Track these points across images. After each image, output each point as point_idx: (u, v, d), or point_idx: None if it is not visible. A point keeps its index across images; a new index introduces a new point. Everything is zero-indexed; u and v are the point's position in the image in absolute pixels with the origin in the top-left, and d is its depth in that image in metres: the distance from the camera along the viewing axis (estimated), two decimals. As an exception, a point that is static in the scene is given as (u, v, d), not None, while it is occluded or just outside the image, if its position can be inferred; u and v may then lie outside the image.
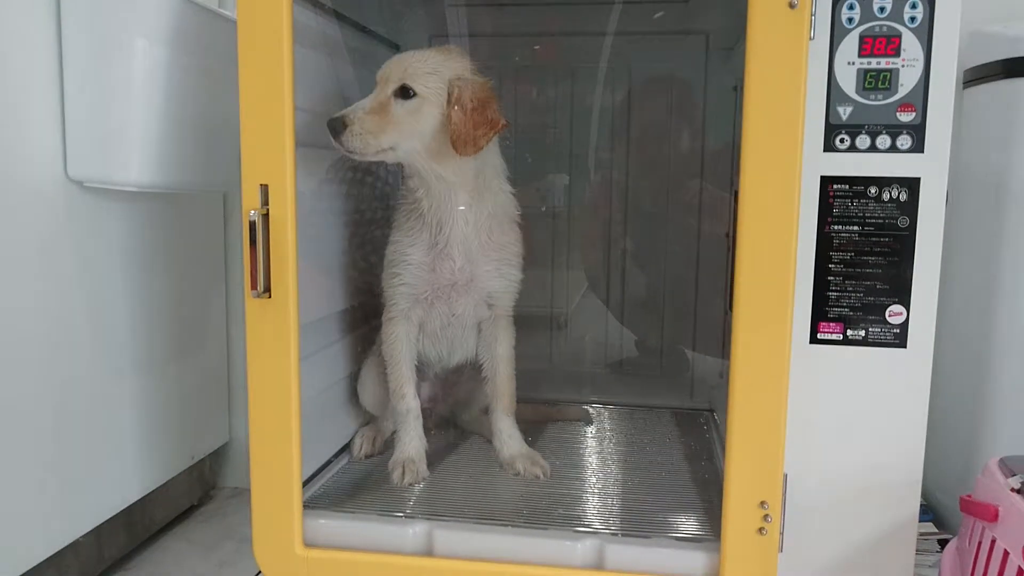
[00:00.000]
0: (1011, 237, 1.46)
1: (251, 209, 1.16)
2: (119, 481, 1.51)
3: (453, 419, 1.71)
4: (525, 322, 1.58)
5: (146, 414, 1.57)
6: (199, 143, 1.46)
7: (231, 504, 1.87)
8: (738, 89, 1.77)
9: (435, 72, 1.32)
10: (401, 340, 1.47)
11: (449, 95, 1.32)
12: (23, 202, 1.26)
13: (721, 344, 1.87)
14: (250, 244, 1.16)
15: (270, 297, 1.19)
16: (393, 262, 1.46)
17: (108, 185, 1.35)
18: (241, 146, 1.16)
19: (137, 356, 1.53)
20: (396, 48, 1.85)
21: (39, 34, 1.27)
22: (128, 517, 1.56)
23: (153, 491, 1.62)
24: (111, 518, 1.49)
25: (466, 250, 1.42)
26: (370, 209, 1.70)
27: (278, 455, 1.22)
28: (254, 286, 1.17)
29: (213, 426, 1.85)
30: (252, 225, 1.15)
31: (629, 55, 1.87)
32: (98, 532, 1.47)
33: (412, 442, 1.46)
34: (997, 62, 1.48)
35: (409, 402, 1.47)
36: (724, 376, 1.85)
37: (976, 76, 1.52)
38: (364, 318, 1.68)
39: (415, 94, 1.31)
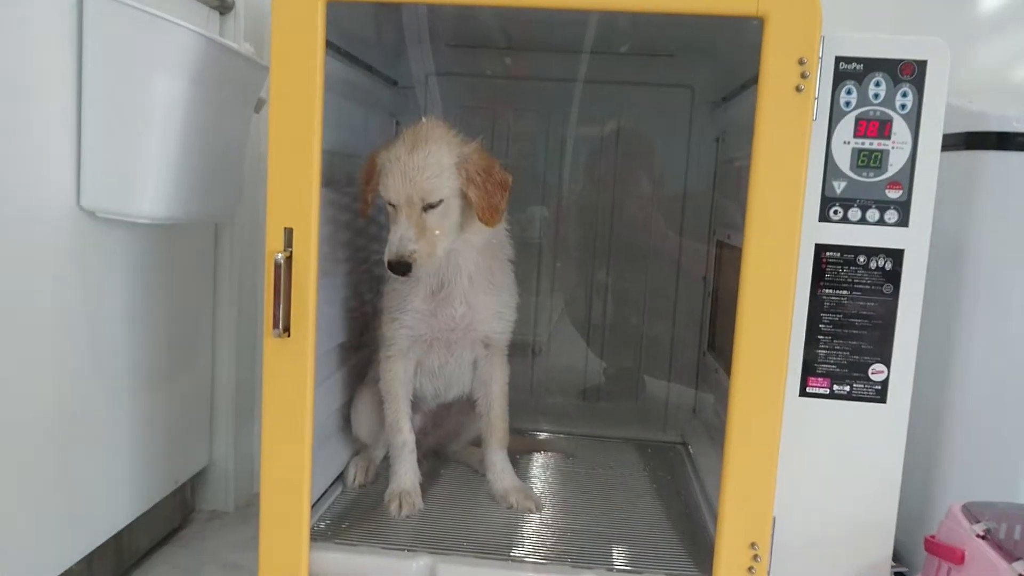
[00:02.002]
0: (968, 295, 1.58)
1: (275, 252, 1.19)
2: (110, 507, 1.51)
3: (441, 450, 1.76)
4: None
5: (136, 438, 1.57)
6: (205, 175, 1.48)
7: (210, 527, 1.87)
8: (720, 140, 1.88)
9: (441, 168, 1.37)
10: (399, 377, 1.52)
11: (461, 178, 1.38)
12: (35, 230, 1.26)
13: (695, 380, 1.97)
14: (274, 286, 1.19)
15: (289, 336, 1.22)
16: (393, 307, 1.50)
17: (121, 217, 1.36)
18: (268, 189, 1.19)
19: (132, 380, 1.54)
20: (394, 84, 1.90)
21: (59, 65, 1.28)
22: (117, 543, 1.56)
23: (140, 516, 1.62)
24: (101, 545, 1.49)
25: (467, 298, 1.47)
26: (366, 248, 1.74)
27: (289, 489, 1.26)
28: (276, 326, 1.21)
29: (195, 449, 1.85)
30: (277, 267, 1.19)
31: (616, 102, 1.95)
32: (89, 560, 1.46)
33: (407, 474, 1.51)
34: (960, 134, 1.61)
35: (405, 435, 1.52)
36: (698, 412, 1.96)
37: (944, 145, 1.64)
38: (355, 350, 1.72)
39: (441, 200, 1.37)
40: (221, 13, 1.79)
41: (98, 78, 1.31)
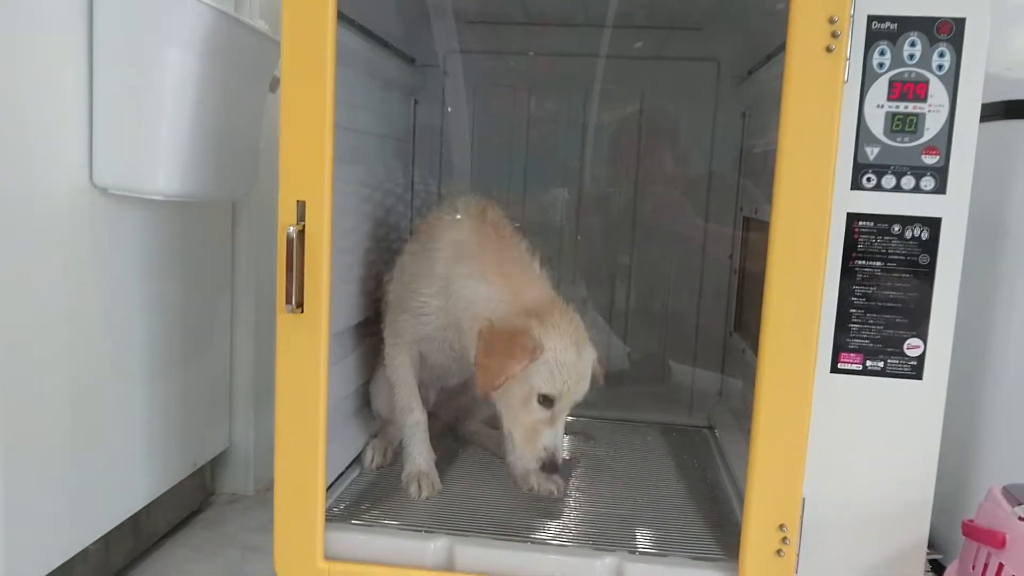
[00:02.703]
0: (1006, 272, 1.52)
1: (288, 225, 1.17)
2: (127, 487, 1.50)
3: (457, 428, 1.73)
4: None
5: (154, 420, 1.56)
6: (220, 153, 1.46)
7: (231, 511, 1.86)
8: (746, 115, 1.82)
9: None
10: (406, 364, 1.50)
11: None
12: (48, 207, 1.25)
13: (721, 363, 1.92)
14: (286, 260, 1.16)
15: (302, 312, 1.19)
16: (402, 302, 1.48)
17: (134, 193, 1.34)
18: (280, 161, 1.17)
19: (148, 361, 1.52)
20: (412, 62, 1.87)
21: (71, 41, 1.26)
22: (135, 524, 1.55)
23: (158, 498, 1.61)
24: (118, 525, 1.48)
25: None
26: (384, 226, 1.71)
27: (303, 468, 1.23)
28: (288, 301, 1.18)
29: (214, 432, 1.84)
30: (289, 241, 1.16)
31: (640, 78, 1.90)
32: (106, 539, 1.46)
33: (422, 455, 1.48)
34: (999, 103, 1.54)
35: (418, 416, 1.49)
36: (724, 395, 1.91)
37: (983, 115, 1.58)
38: (374, 332, 1.70)
39: None
40: (237, -9, 1.77)
41: (109, 53, 1.29)
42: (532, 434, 1.30)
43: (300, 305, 1.19)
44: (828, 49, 1.07)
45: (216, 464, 1.91)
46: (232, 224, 1.82)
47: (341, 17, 1.43)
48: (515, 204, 1.98)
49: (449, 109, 1.94)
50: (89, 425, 1.37)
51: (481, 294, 1.35)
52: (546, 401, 1.29)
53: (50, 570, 1.30)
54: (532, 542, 1.29)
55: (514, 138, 1.96)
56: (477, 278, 1.36)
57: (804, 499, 1.18)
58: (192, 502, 1.80)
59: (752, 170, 1.75)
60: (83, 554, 1.39)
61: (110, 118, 1.30)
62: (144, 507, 1.57)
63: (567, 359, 1.28)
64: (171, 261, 1.56)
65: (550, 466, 1.30)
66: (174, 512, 1.72)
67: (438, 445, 1.55)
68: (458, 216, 1.47)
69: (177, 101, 1.32)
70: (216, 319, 1.80)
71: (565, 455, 1.34)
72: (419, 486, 1.43)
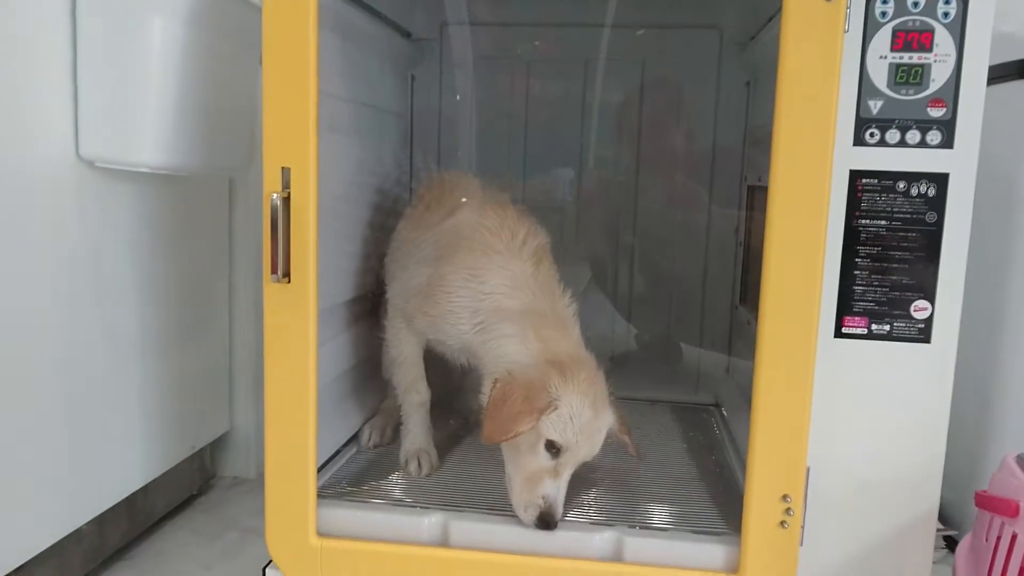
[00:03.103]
0: (1022, 234, 1.47)
1: (272, 192, 1.14)
2: (121, 469, 1.49)
3: (459, 407, 1.68)
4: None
5: (149, 401, 1.54)
6: (211, 125, 1.44)
7: (232, 494, 1.84)
8: (750, 84, 1.77)
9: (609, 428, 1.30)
10: (412, 344, 1.45)
11: None
12: (33, 182, 1.23)
13: (728, 339, 1.88)
14: (271, 228, 1.14)
15: (289, 282, 1.16)
16: (424, 306, 1.40)
17: (120, 166, 1.32)
18: (263, 127, 1.14)
19: (142, 342, 1.50)
20: (407, 35, 1.84)
21: (52, 11, 1.24)
22: (130, 506, 1.53)
23: (155, 480, 1.59)
24: (113, 507, 1.47)
25: None
26: (387, 199, 1.68)
27: (294, 444, 1.20)
28: (274, 270, 1.15)
29: (214, 415, 1.82)
30: (273, 208, 1.13)
31: (640, 49, 1.86)
32: (100, 521, 1.44)
33: (423, 433, 1.45)
34: (1011, 63, 1.49)
35: (423, 396, 1.46)
36: (731, 371, 1.86)
37: (990, 76, 1.52)
38: (373, 308, 1.67)
39: None
40: (230, -33, 1.74)
41: (93, 22, 1.27)
42: (533, 482, 1.20)
43: (287, 275, 1.16)
44: (827, -3, 1.02)
45: (217, 447, 1.89)
46: (229, 202, 1.80)
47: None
48: (516, 183, 1.95)
49: (458, 97, 1.91)
50: (79, 403, 1.35)
51: (514, 346, 1.28)
52: (552, 449, 1.21)
53: (39, 551, 1.28)
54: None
55: (513, 114, 1.92)
56: (516, 335, 1.28)
57: (808, 469, 1.14)
58: (191, 485, 1.78)
59: (757, 139, 1.70)
60: (76, 534, 1.38)
61: (95, 89, 1.28)
62: (140, 489, 1.55)
63: (583, 416, 1.21)
64: (165, 238, 1.54)
65: (546, 520, 1.19)
66: (173, 494, 1.70)
67: (440, 426, 1.52)
68: (504, 250, 1.36)
69: (163, 71, 1.30)
70: (214, 299, 1.78)
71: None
72: (419, 463, 1.40)
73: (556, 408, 1.19)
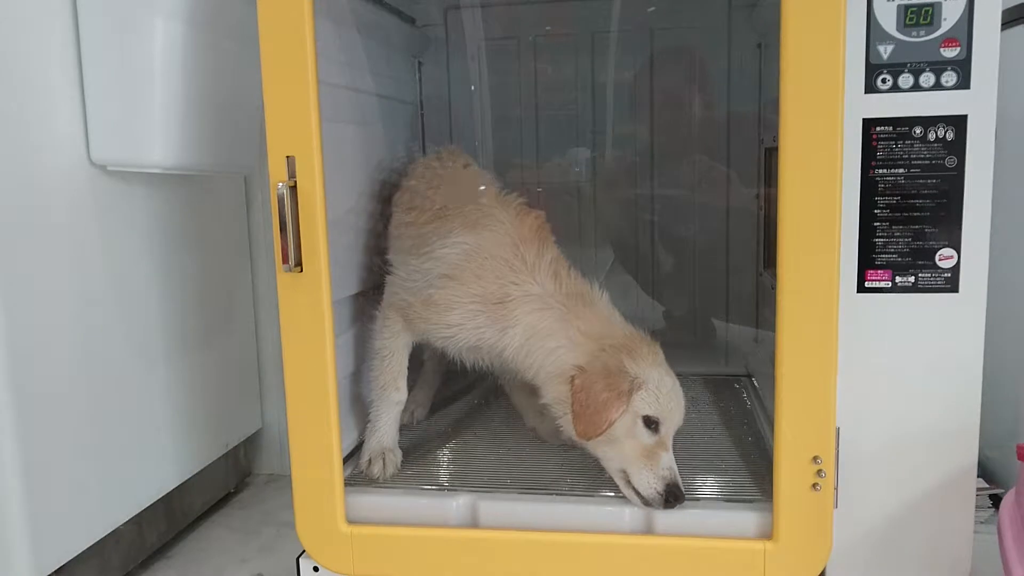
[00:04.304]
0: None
1: (278, 181, 1.14)
2: (156, 469, 1.51)
3: (500, 383, 1.61)
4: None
5: (178, 401, 1.56)
6: (221, 124, 1.44)
7: (267, 490, 1.86)
8: (762, 46, 1.73)
9: None
10: (400, 336, 1.38)
11: None
12: (48, 189, 1.24)
13: (755, 309, 1.84)
14: (279, 217, 1.14)
15: (302, 271, 1.17)
16: (430, 313, 1.34)
17: (131, 168, 1.33)
18: (265, 117, 1.14)
19: (166, 342, 1.52)
20: (412, 22, 1.83)
21: (56, 18, 1.25)
22: (167, 505, 1.55)
23: (190, 479, 1.61)
24: (150, 506, 1.49)
25: None
26: (390, 191, 1.67)
27: (317, 431, 1.20)
28: (285, 260, 1.15)
29: (245, 413, 1.84)
30: (280, 198, 1.13)
31: (648, 19, 1.83)
32: (138, 520, 1.46)
33: (392, 432, 1.39)
34: (1029, 2, 1.44)
35: (402, 394, 1.39)
36: (760, 340, 1.83)
37: (1012, 17, 1.47)
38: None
39: None
40: (231, -33, 1.75)
41: (95, 26, 1.28)
42: (651, 459, 1.18)
43: (299, 263, 1.16)
44: (827, -60, 0.99)
45: (251, 445, 1.91)
46: (247, 199, 1.81)
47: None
48: (529, 168, 1.93)
49: (472, 88, 1.89)
50: (109, 407, 1.37)
51: (566, 354, 1.25)
52: (651, 424, 1.19)
53: (79, 551, 1.31)
54: (556, 494, 1.25)
55: (524, 96, 1.90)
56: (564, 346, 1.25)
57: (838, 429, 1.11)
58: (227, 483, 1.80)
59: (771, 100, 1.66)
60: (115, 534, 1.40)
61: (102, 93, 1.29)
62: (176, 488, 1.57)
63: (665, 383, 1.22)
64: (183, 239, 1.56)
65: (675, 492, 1.16)
66: (209, 493, 1.72)
67: (461, 404, 1.51)
68: (526, 273, 1.30)
69: (167, 71, 1.30)
70: (237, 298, 1.79)
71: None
72: (384, 463, 1.33)
73: (641, 386, 1.19)
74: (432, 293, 1.32)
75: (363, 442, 1.45)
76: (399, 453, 1.37)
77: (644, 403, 1.19)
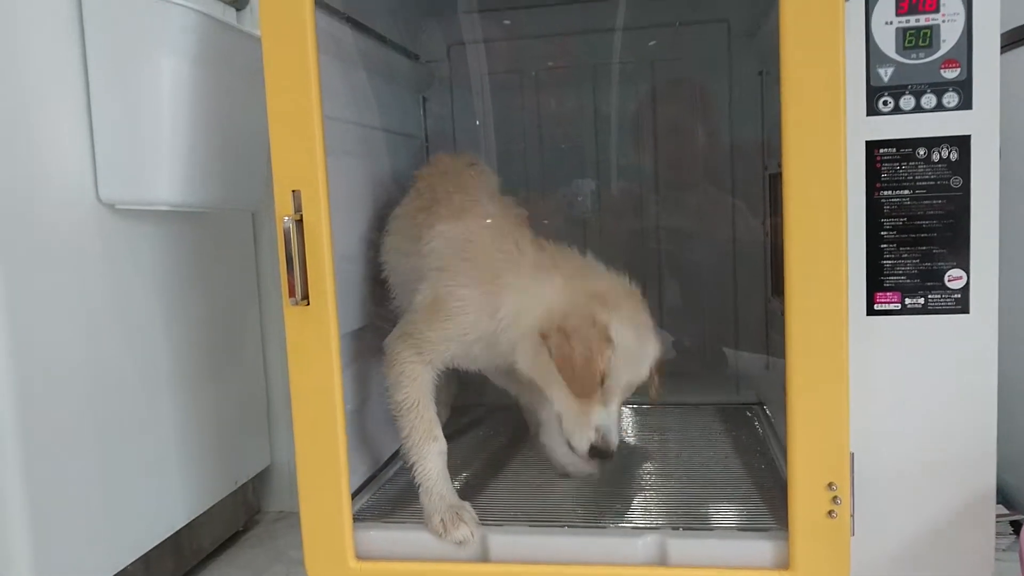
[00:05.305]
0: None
1: (284, 215, 1.14)
2: (164, 507, 1.50)
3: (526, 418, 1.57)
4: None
5: (187, 439, 1.55)
6: (226, 161, 1.46)
7: (277, 528, 1.84)
8: (763, 74, 1.74)
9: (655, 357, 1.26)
10: (420, 377, 1.27)
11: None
12: (57, 227, 1.26)
13: (765, 336, 1.83)
14: (285, 252, 1.14)
15: (308, 304, 1.17)
16: (430, 303, 1.30)
17: (139, 206, 1.34)
18: (271, 151, 1.15)
19: (175, 379, 1.52)
20: (416, 58, 1.85)
21: (64, 58, 1.27)
22: (175, 543, 1.54)
23: (199, 517, 1.60)
24: (159, 545, 1.47)
25: None
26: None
27: (325, 466, 1.20)
28: (292, 293, 1.15)
29: (254, 450, 1.83)
30: (286, 232, 1.14)
31: (649, 51, 1.85)
32: (146, 559, 1.45)
33: (447, 484, 1.26)
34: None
35: (441, 443, 1.27)
36: (771, 367, 1.81)
37: (1013, 39, 1.48)
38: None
39: None
40: (237, 9, 1.78)
41: (103, 66, 1.30)
42: (583, 413, 1.16)
43: (306, 297, 1.16)
44: (823, -34, 1.00)
45: (260, 482, 1.90)
46: (254, 235, 1.82)
47: (335, 12, 1.43)
48: (535, 200, 1.93)
49: (477, 123, 1.91)
50: (116, 445, 1.37)
51: (542, 307, 1.20)
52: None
53: (87, 591, 1.30)
54: (569, 526, 1.23)
55: (527, 128, 1.92)
56: (545, 292, 1.21)
57: (853, 454, 1.10)
58: (236, 520, 1.78)
59: (774, 128, 1.66)
60: (122, 575, 1.38)
61: (110, 133, 1.31)
62: (185, 527, 1.56)
63: (626, 340, 1.17)
64: (190, 275, 1.56)
65: (602, 450, 1.16)
66: (218, 531, 1.71)
67: (471, 438, 1.50)
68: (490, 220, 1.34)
69: (174, 110, 1.32)
70: (245, 334, 1.79)
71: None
72: (462, 519, 1.21)
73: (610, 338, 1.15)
74: (428, 296, 1.28)
75: (375, 474, 1.45)
76: (468, 505, 1.25)
77: None
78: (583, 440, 1.17)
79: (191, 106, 1.34)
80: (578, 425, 1.17)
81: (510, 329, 1.24)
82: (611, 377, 1.17)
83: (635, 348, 1.19)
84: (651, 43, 1.84)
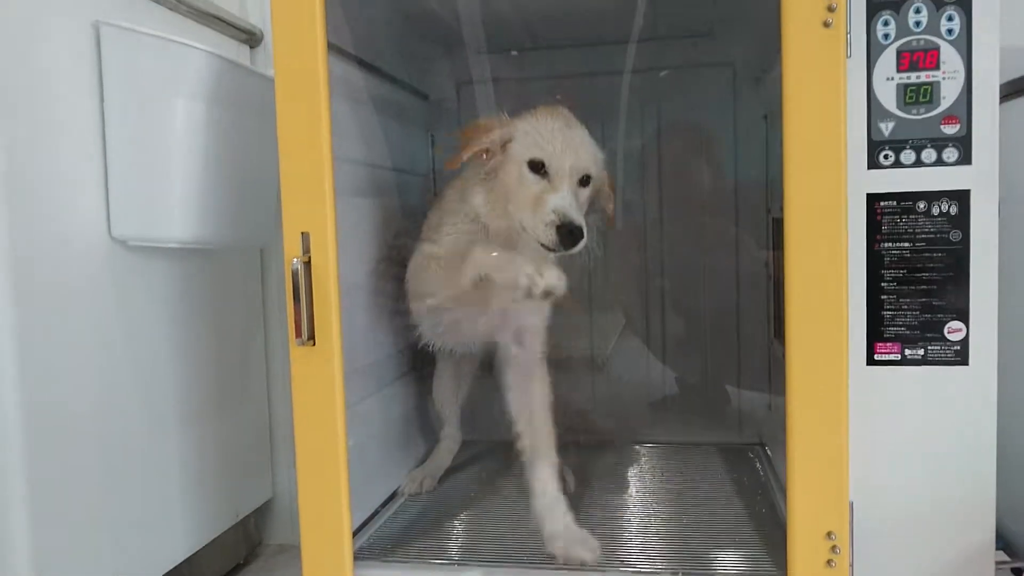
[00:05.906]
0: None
1: (293, 257, 1.16)
2: (166, 540, 1.50)
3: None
4: (564, 365, 1.56)
5: (190, 472, 1.56)
6: (237, 199, 1.48)
7: (278, 561, 1.84)
8: (768, 118, 1.77)
9: (597, 155, 1.33)
10: (443, 375, 1.61)
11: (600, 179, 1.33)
12: (69, 263, 1.27)
13: (768, 376, 1.83)
14: (292, 292, 1.16)
15: (314, 344, 1.18)
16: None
17: (151, 243, 1.36)
18: (281, 194, 1.17)
19: (180, 413, 1.53)
20: (425, 98, 1.88)
21: (82, 97, 1.30)
22: (177, 576, 1.54)
23: (200, 551, 1.60)
24: (159, 578, 1.48)
25: None
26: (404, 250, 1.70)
27: (327, 504, 1.20)
28: (298, 334, 1.17)
29: (256, 482, 1.83)
30: (295, 273, 1.16)
31: (655, 93, 1.87)
32: (147, 593, 1.45)
33: (437, 466, 1.61)
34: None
35: (453, 442, 1.64)
36: (773, 408, 1.82)
37: (1012, 90, 1.50)
38: (413, 362, 1.68)
39: (590, 181, 1.30)
40: (251, 47, 1.82)
41: (119, 106, 1.32)
42: (536, 203, 1.21)
43: (312, 337, 1.18)
44: (825, 24, 1.02)
45: (261, 515, 1.90)
46: (262, 272, 1.84)
47: (346, 55, 1.46)
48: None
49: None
50: (121, 478, 1.37)
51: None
52: (537, 168, 1.23)
53: (87, 625, 1.30)
54: (571, 569, 1.23)
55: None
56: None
57: (852, 504, 1.10)
58: (237, 554, 1.78)
59: (779, 172, 1.68)
60: (123, 608, 1.39)
61: (123, 171, 1.33)
62: (186, 560, 1.56)
63: (549, 125, 1.26)
64: (199, 311, 1.58)
65: (568, 228, 1.16)
66: (219, 564, 1.71)
67: (474, 474, 1.52)
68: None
69: (187, 150, 1.34)
70: (251, 369, 1.81)
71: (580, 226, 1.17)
72: (420, 484, 1.54)
73: (512, 135, 1.27)
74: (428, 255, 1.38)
75: (378, 511, 1.48)
76: (435, 477, 1.57)
77: (522, 148, 1.25)
78: (548, 229, 1.18)
79: (204, 146, 1.36)
80: (537, 216, 1.20)
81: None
82: (552, 163, 1.23)
83: (563, 130, 1.26)
84: (662, 73, 1.86)
